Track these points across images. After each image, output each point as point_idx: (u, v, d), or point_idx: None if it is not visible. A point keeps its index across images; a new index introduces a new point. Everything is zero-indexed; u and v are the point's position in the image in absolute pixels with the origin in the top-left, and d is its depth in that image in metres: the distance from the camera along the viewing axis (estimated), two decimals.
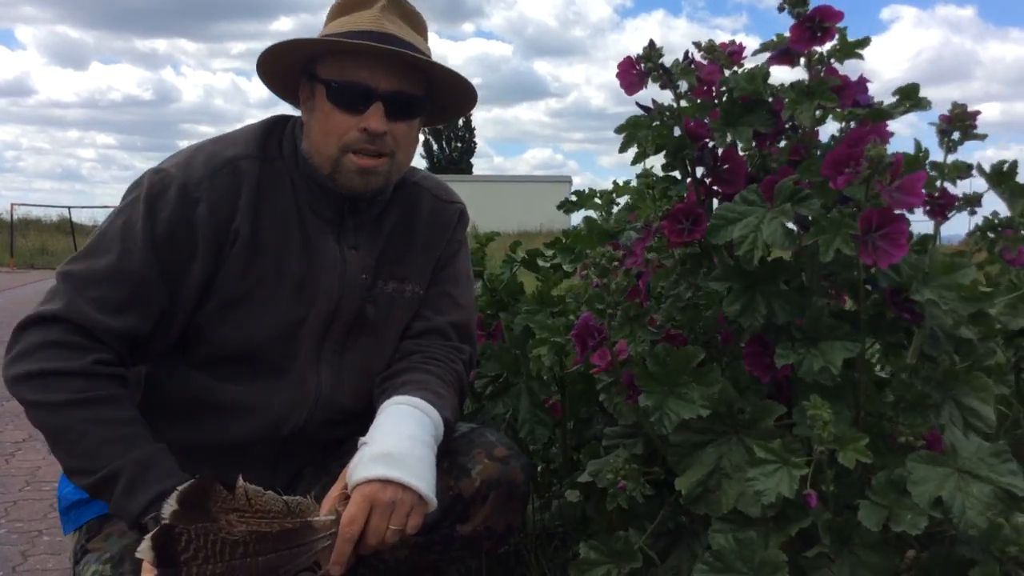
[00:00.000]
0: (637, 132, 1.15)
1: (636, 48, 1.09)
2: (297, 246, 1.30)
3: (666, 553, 1.33)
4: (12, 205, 22.14)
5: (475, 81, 1.35)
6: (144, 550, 1.02)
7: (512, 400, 1.77)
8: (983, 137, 1.32)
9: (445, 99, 1.35)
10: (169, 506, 1.03)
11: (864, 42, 1.06)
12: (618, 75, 1.12)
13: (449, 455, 1.30)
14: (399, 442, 1.15)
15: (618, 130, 1.17)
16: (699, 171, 1.21)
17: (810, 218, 1.00)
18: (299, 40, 1.27)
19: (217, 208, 1.24)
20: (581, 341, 1.16)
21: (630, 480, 1.20)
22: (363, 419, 1.26)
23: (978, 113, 1.31)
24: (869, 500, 1.07)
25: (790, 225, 1.02)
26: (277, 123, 1.36)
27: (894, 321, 1.08)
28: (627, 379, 1.20)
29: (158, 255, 1.21)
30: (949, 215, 1.34)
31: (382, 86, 1.26)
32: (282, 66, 1.32)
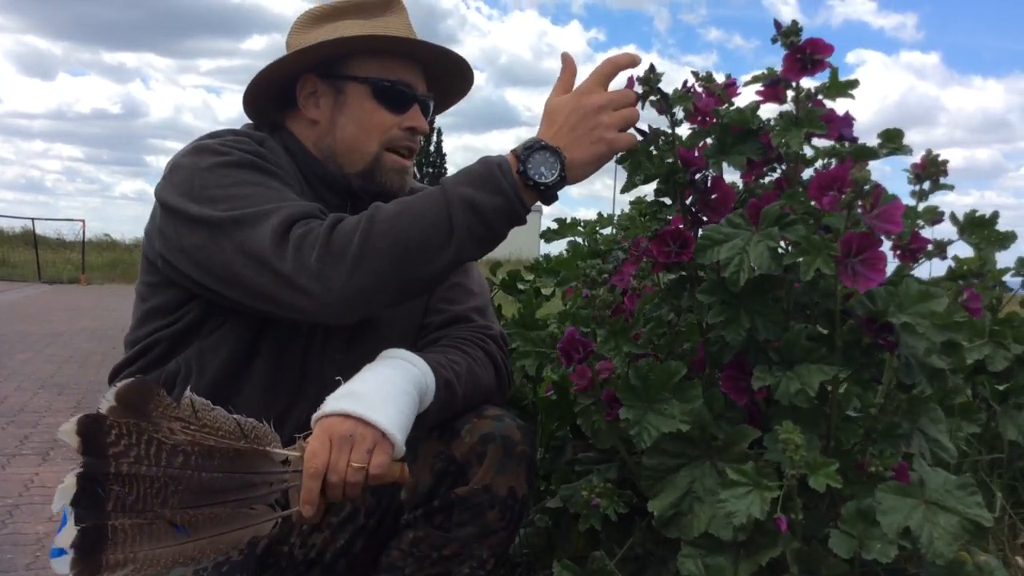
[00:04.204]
0: (638, 157, 1.17)
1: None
2: None
3: None
4: None
5: None
6: (67, 432, 0.95)
7: None
8: (951, 188, 1.37)
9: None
10: (107, 401, 0.96)
11: (854, 83, 1.10)
12: None
13: (439, 424, 1.24)
14: (364, 381, 1.11)
15: (619, 160, 1.18)
16: (688, 199, 1.24)
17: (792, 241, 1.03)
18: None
19: None
20: (566, 354, 1.17)
21: (604, 498, 1.20)
22: None
23: (947, 162, 1.36)
24: (839, 529, 1.09)
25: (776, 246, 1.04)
26: (264, 135, 1.36)
27: (868, 348, 1.10)
28: (607, 396, 1.21)
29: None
30: (919, 259, 1.38)
31: (420, 89, 1.36)
32: (290, 69, 1.34)
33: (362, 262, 1.09)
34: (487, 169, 1.12)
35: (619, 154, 1.17)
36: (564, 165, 1.10)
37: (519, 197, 1.10)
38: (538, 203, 1.15)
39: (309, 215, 1.16)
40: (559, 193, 1.13)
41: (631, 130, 1.16)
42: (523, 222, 1.13)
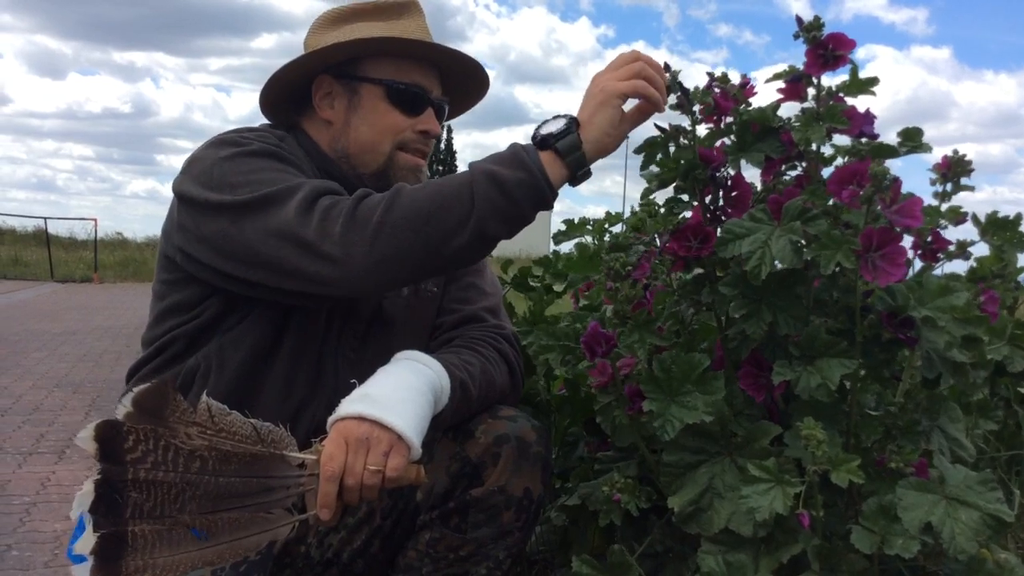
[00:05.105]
0: (655, 152, 1.18)
1: None
2: None
3: None
4: None
5: None
6: (84, 439, 0.95)
7: None
8: (972, 188, 1.36)
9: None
10: (123, 406, 0.97)
11: (874, 80, 1.10)
12: None
13: (454, 425, 1.26)
14: (381, 384, 1.12)
15: (637, 150, 1.21)
16: (707, 196, 1.24)
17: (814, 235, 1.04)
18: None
19: None
20: (590, 348, 1.18)
21: (626, 493, 1.20)
22: None
23: (971, 162, 1.35)
24: (860, 525, 1.09)
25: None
26: (283, 133, 1.38)
27: (888, 344, 1.10)
28: (630, 391, 1.22)
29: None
30: (940, 258, 1.37)
31: (434, 92, 1.38)
32: (305, 70, 1.35)
33: (383, 230, 1.10)
34: (512, 149, 1.15)
35: (638, 144, 1.18)
36: (573, 121, 1.13)
37: (542, 172, 1.11)
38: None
39: (334, 191, 1.18)
40: (586, 175, 1.15)
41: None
42: (548, 204, 1.13)
